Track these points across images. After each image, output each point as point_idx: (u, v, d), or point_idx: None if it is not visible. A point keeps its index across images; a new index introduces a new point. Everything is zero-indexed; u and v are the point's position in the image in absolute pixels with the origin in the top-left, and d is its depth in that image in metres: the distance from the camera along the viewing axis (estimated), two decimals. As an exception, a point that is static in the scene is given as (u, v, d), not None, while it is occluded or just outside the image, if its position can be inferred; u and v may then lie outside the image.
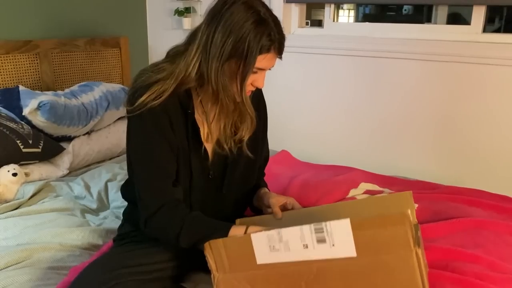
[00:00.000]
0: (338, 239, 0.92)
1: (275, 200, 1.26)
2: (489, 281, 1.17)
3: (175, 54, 1.16)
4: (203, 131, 1.22)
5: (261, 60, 1.10)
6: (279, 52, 1.13)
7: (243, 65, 1.08)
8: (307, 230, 0.93)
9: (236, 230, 1.06)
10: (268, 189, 1.38)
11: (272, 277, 1.01)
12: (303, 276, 0.98)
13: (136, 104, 1.09)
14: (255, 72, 1.12)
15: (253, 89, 1.18)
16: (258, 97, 1.34)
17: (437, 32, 2.17)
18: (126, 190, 1.32)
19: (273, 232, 0.96)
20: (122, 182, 1.36)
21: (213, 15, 1.09)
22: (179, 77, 1.12)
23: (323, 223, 0.92)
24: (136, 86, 1.13)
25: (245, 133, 1.23)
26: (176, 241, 1.10)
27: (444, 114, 2.16)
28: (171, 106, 1.14)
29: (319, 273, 0.97)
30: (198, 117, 1.20)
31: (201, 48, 1.10)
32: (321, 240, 0.94)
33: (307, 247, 0.95)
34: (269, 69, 1.17)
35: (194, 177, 1.20)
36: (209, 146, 1.24)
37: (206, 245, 1.01)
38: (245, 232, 1.05)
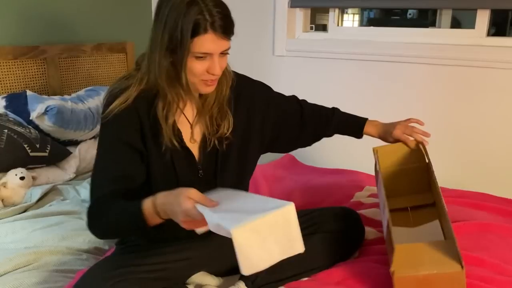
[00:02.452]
0: None
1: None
2: (494, 284, 1.18)
3: (142, 60, 1.17)
4: (186, 131, 1.21)
5: (201, 43, 1.05)
6: (222, 31, 1.06)
7: (180, 52, 1.06)
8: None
9: (147, 203, 1.01)
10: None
11: None
12: None
13: (106, 112, 1.12)
14: (202, 58, 1.08)
15: (212, 77, 1.12)
16: (251, 94, 1.32)
17: (442, 36, 2.18)
18: None
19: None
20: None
21: (156, 12, 1.10)
22: (143, 82, 1.13)
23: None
24: (108, 95, 1.16)
25: (226, 130, 1.21)
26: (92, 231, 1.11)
27: (449, 117, 2.17)
28: (143, 111, 1.14)
29: None
30: (180, 117, 1.20)
31: (149, 47, 1.12)
32: None
33: None
34: (224, 53, 1.12)
35: (180, 178, 1.19)
36: (194, 146, 1.23)
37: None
38: (153, 203, 1.00)
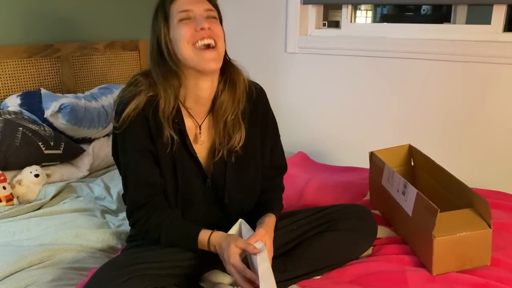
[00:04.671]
0: None
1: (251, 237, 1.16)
2: (510, 285, 1.16)
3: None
4: (192, 136, 1.24)
5: (179, 4, 1.16)
6: None
7: (165, 25, 1.17)
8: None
9: (203, 235, 1.17)
10: (277, 214, 1.30)
11: None
12: None
13: (121, 120, 1.16)
14: (186, 19, 1.15)
15: (203, 34, 1.15)
16: (256, 101, 1.31)
17: (457, 32, 2.15)
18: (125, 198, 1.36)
19: None
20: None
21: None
22: (152, 88, 1.18)
23: None
24: (118, 102, 1.20)
25: (237, 143, 1.24)
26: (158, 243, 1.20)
27: (464, 115, 2.14)
28: (149, 114, 1.18)
29: None
30: (189, 123, 1.24)
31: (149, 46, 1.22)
32: None
33: None
34: (210, 17, 1.18)
35: (180, 183, 1.22)
36: (201, 152, 1.26)
37: None
38: (209, 238, 1.16)
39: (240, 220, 1.23)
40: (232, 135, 1.23)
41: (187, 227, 1.20)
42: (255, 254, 1.10)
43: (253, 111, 1.29)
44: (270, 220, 1.25)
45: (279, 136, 1.39)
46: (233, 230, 1.21)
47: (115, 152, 1.27)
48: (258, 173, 1.31)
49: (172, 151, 1.20)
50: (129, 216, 1.25)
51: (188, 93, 1.22)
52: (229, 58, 1.27)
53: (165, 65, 1.18)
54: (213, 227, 1.20)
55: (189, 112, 1.24)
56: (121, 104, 1.18)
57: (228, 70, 1.25)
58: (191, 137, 1.24)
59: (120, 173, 1.28)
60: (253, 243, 1.12)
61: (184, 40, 1.14)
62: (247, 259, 1.17)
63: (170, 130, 1.17)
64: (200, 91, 1.22)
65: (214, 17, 1.19)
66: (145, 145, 1.19)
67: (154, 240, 1.21)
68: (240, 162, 1.27)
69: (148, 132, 1.18)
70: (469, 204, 1.30)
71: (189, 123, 1.24)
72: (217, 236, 1.16)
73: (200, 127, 1.25)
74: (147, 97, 1.17)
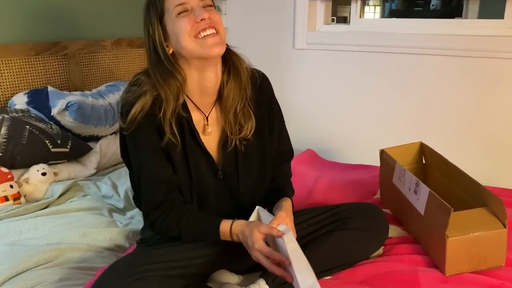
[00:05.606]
0: None
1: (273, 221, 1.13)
2: (526, 286, 1.13)
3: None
4: (200, 128, 1.23)
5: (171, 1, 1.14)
6: None
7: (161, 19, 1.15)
8: None
9: (224, 226, 1.14)
10: (291, 198, 1.32)
11: None
12: None
13: (128, 122, 1.15)
14: (183, 12, 1.13)
15: (204, 24, 1.13)
16: (261, 88, 1.30)
17: (468, 27, 2.11)
18: (137, 200, 1.36)
19: None
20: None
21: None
22: (155, 88, 1.16)
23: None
24: (123, 103, 1.18)
25: (249, 131, 1.23)
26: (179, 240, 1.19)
27: (477, 111, 2.10)
28: (157, 112, 1.16)
29: None
30: (196, 115, 1.23)
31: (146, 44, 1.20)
32: None
33: None
34: (208, 7, 1.16)
35: (194, 178, 1.21)
36: (211, 145, 1.24)
37: None
38: (230, 227, 1.13)
39: (257, 207, 1.21)
40: (244, 124, 1.23)
41: (207, 220, 1.19)
42: (280, 236, 1.06)
43: (259, 98, 1.28)
44: (287, 203, 1.25)
45: (284, 121, 1.39)
46: (253, 217, 1.19)
47: (124, 153, 1.26)
48: (268, 160, 1.31)
49: (182, 147, 1.19)
50: (146, 216, 1.24)
51: (193, 86, 1.21)
52: (228, 45, 1.25)
53: (162, 65, 1.16)
54: (224, 218, 1.18)
55: (195, 105, 1.23)
56: (126, 105, 1.17)
57: (230, 58, 1.24)
58: (199, 130, 1.23)
59: (130, 173, 1.27)
60: (276, 226, 1.09)
61: (185, 33, 1.13)
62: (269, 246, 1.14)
63: (170, 134, 1.16)
64: (205, 81, 1.20)
65: (210, 5, 1.18)
66: (156, 144, 1.18)
67: (175, 238, 1.19)
68: (250, 150, 1.26)
69: (157, 131, 1.18)
70: (483, 203, 1.27)
71: (196, 116, 1.23)
72: (238, 224, 1.13)
73: (207, 118, 1.24)
74: (153, 96, 1.16)
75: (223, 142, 1.25)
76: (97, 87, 2.34)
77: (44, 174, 1.80)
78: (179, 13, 1.14)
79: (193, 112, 1.22)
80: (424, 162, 1.68)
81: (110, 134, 2.21)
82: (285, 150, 1.39)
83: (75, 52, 2.30)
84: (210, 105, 1.25)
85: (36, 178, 1.79)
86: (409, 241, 1.42)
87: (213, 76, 1.21)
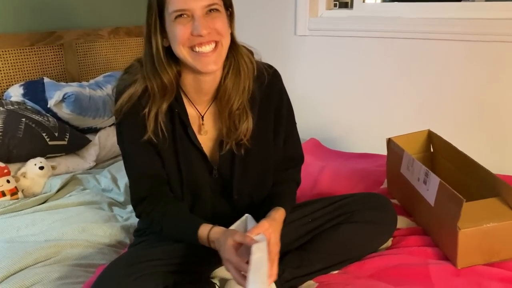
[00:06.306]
0: None
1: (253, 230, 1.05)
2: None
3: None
4: (196, 126, 1.16)
5: (171, 3, 1.02)
6: None
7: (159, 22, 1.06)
8: None
9: (203, 230, 1.08)
10: (286, 209, 1.19)
11: None
12: None
13: (115, 110, 1.11)
14: (182, 17, 1.02)
15: (201, 39, 1.03)
16: (269, 87, 1.19)
17: (477, 10, 2.05)
18: None
19: None
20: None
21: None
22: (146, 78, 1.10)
23: None
24: (116, 90, 1.14)
25: (243, 135, 1.13)
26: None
27: (485, 98, 2.05)
28: (146, 104, 1.10)
29: None
30: (191, 111, 1.16)
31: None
32: None
33: None
34: (212, 11, 1.03)
35: (184, 175, 1.15)
36: (207, 144, 1.18)
37: None
38: (208, 233, 1.07)
39: (246, 215, 1.12)
40: (238, 125, 1.13)
41: (188, 221, 1.12)
42: (250, 245, 0.98)
43: (265, 98, 1.18)
44: (277, 214, 1.14)
45: (295, 124, 1.28)
46: (235, 225, 1.11)
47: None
48: (270, 164, 1.22)
49: (172, 142, 1.13)
50: (134, 208, 1.21)
51: (189, 83, 1.13)
52: (235, 40, 1.14)
53: (152, 60, 1.09)
54: (222, 219, 1.13)
55: (191, 101, 1.16)
56: (117, 93, 1.13)
57: (232, 53, 1.13)
58: (194, 127, 1.15)
59: None
60: (253, 236, 1.01)
61: (179, 43, 1.04)
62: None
63: (152, 132, 1.10)
64: (201, 83, 1.13)
65: (217, 10, 1.05)
66: (141, 136, 1.11)
67: (158, 233, 1.17)
68: (250, 154, 1.17)
69: (143, 123, 1.10)
70: (495, 193, 1.23)
71: (191, 112, 1.16)
72: (216, 231, 1.06)
73: (203, 117, 1.17)
74: (142, 86, 1.10)
75: (220, 142, 1.17)
76: (94, 77, 2.29)
77: (41, 168, 1.76)
78: (176, 17, 1.03)
79: (188, 108, 1.15)
80: (432, 150, 1.63)
81: (109, 126, 2.17)
82: (293, 154, 1.29)
83: (71, 42, 2.24)
84: (207, 102, 1.17)
85: (34, 172, 1.75)
86: (418, 232, 1.38)
87: (209, 79, 1.13)
